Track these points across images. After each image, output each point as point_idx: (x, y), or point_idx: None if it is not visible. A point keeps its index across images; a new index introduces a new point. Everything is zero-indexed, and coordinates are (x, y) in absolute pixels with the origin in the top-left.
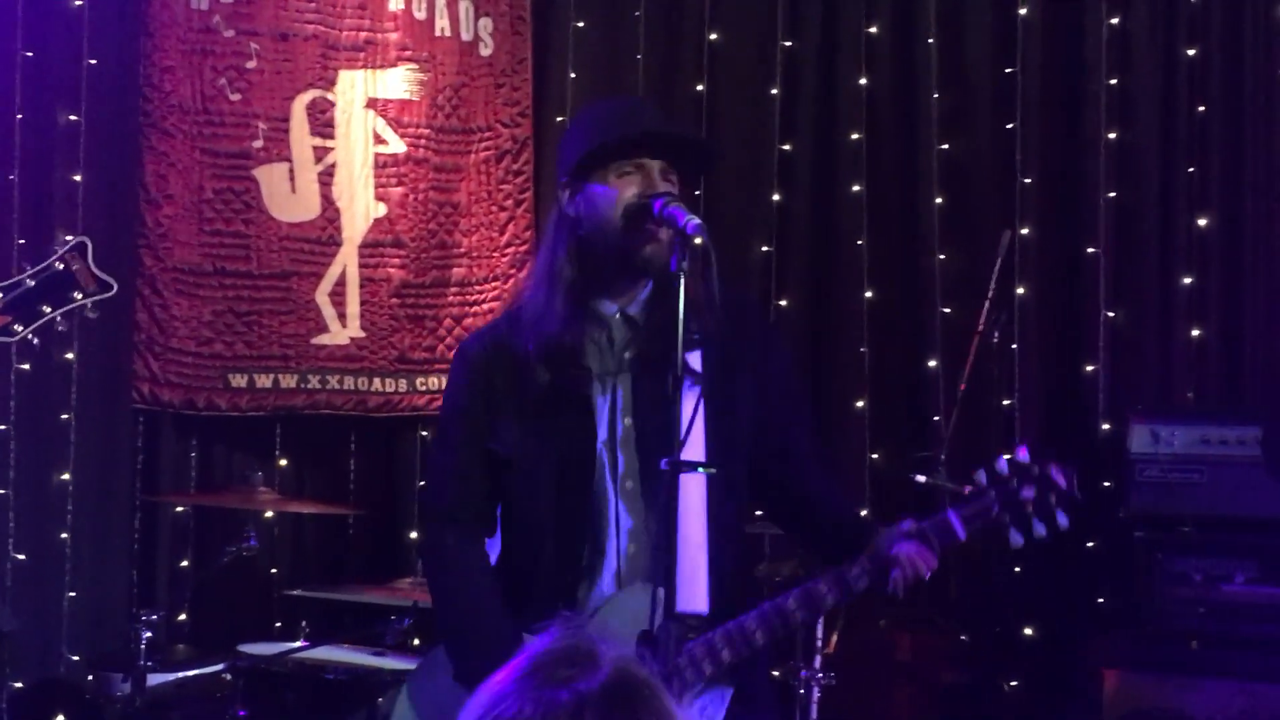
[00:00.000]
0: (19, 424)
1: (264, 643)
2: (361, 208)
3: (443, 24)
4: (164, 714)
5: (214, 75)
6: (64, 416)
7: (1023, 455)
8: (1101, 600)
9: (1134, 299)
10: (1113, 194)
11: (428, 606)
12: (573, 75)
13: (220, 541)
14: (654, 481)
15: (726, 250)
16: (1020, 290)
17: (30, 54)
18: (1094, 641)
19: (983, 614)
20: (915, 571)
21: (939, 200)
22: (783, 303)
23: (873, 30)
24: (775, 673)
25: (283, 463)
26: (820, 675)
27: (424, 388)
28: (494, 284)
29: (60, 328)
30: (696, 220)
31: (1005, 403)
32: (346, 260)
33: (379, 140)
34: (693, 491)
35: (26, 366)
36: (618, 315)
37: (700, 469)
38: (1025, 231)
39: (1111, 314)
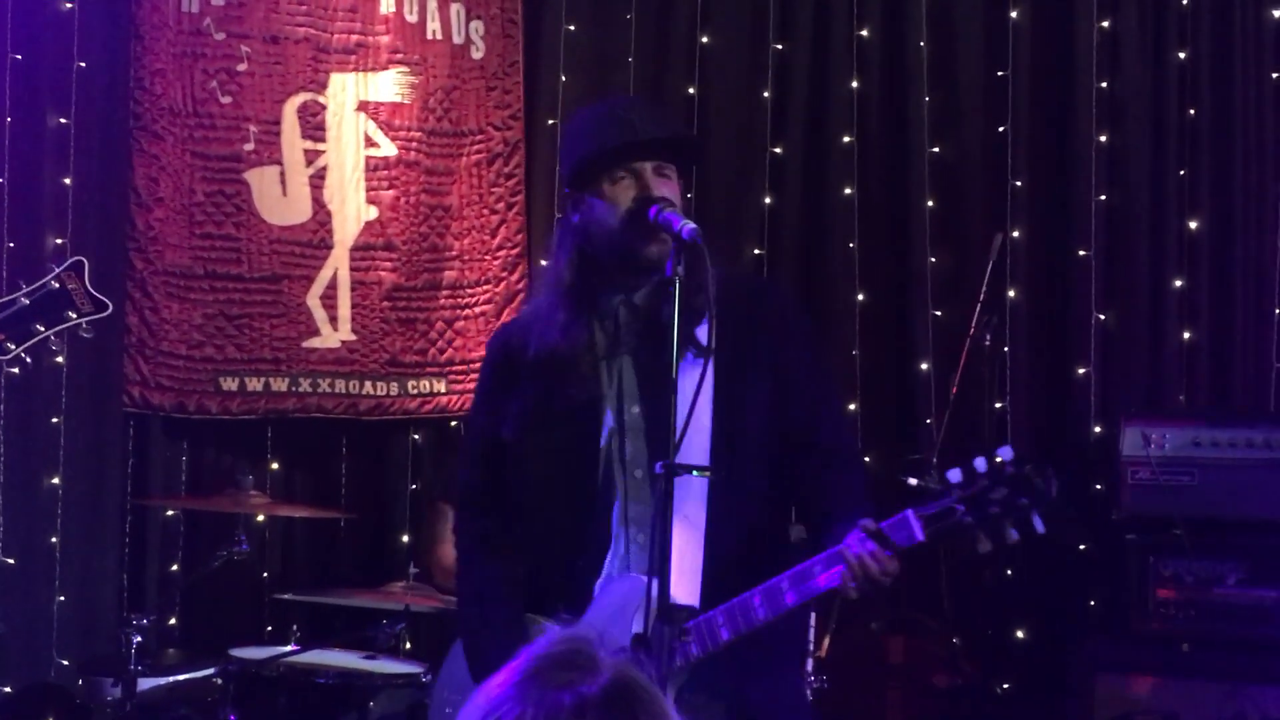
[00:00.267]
0: (8, 427)
1: (255, 647)
2: (353, 211)
3: (434, 27)
4: (154, 718)
5: (205, 78)
6: (54, 420)
7: (1003, 454)
8: (1093, 603)
9: (1125, 301)
10: (1103, 197)
11: (419, 610)
12: (564, 78)
13: (211, 545)
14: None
15: (718, 253)
16: (1011, 293)
17: (20, 56)
18: (1086, 644)
19: (974, 617)
20: (865, 572)
21: (930, 203)
22: None
23: (864, 33)
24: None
25: (274, 466)
26: (812, 678)
27: (415, 391)
28: (485, 287)
29: (54, 346)
30: (691, 225)
31: (997, 405)
32: (338, 263)
33: (370, 143)
34: (694, 484)
35: (16, 370)
36: (621, 304)
37: (695, 472)
38: (1016, 234)
39: (1102, 316)
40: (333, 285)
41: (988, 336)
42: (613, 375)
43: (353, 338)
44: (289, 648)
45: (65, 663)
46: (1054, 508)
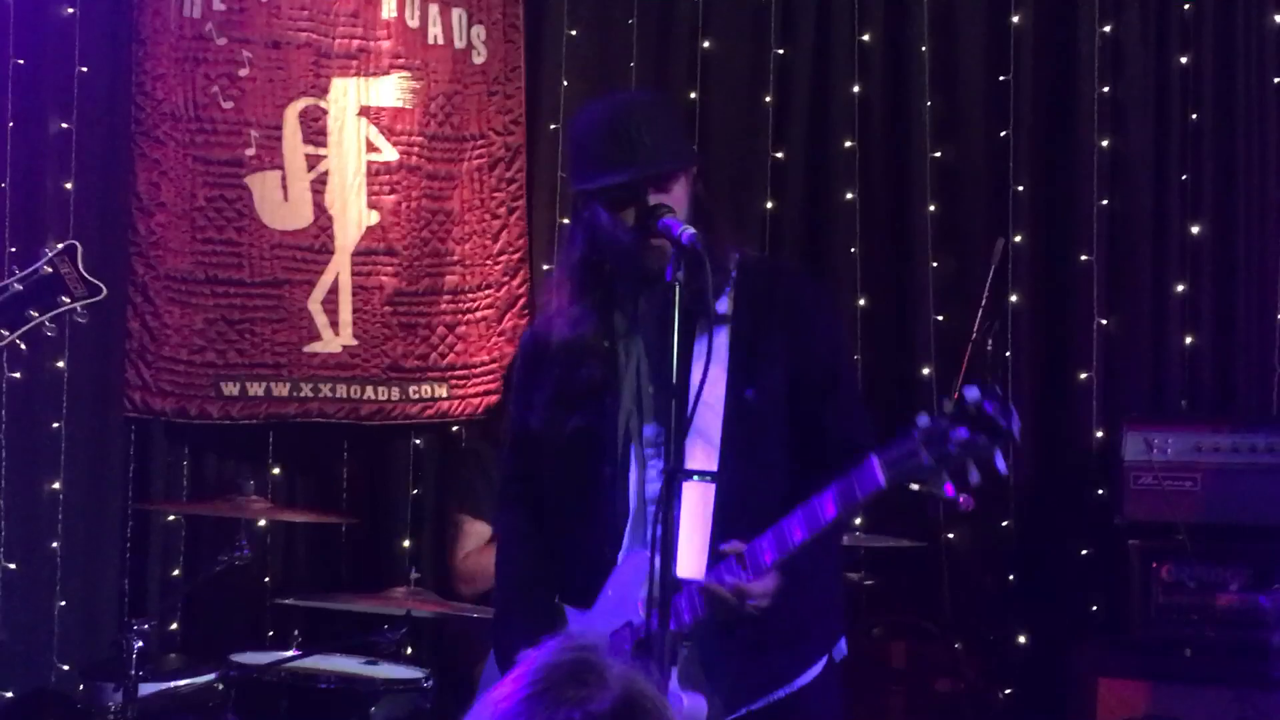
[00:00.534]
0: (9, 432)
1: (256, 652)
2: (354, 216)
3: (435, 32)
4: None
5: (206, 83)
6: (55, 425)
7: (969, 393)
8: (1095, 608)
9: (1127, 307)
10: (1105, 202)
11: (421, 615)
12: (566, 83)
13: (212, 550)
14: (677, 446)
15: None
16: (1013, 298)
17: (22, 61)
18: (1088, 649)
19: (976, 621)
20: (726, 605)
21: (932, 208)
22: None
23: (865, 38)
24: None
25: (275, 471)
26: None
27: (417, 396)
28: (487, 292)
29: (49, 332)
30: (690, 230)
31: (1009, 404)
32: (339, 268)
33: (371, 148)
34: (703, 466)
35: (18, 375)
36: (639, 290)
37: (697, 477)
38: (1018, 239)
39: (1105, 321)
40: (334, 290)
41: (990, 341)
42: (631, 355)
43: (354, 343)
44: (290, 653)
45: (66, 668)
46: (1014, 443)
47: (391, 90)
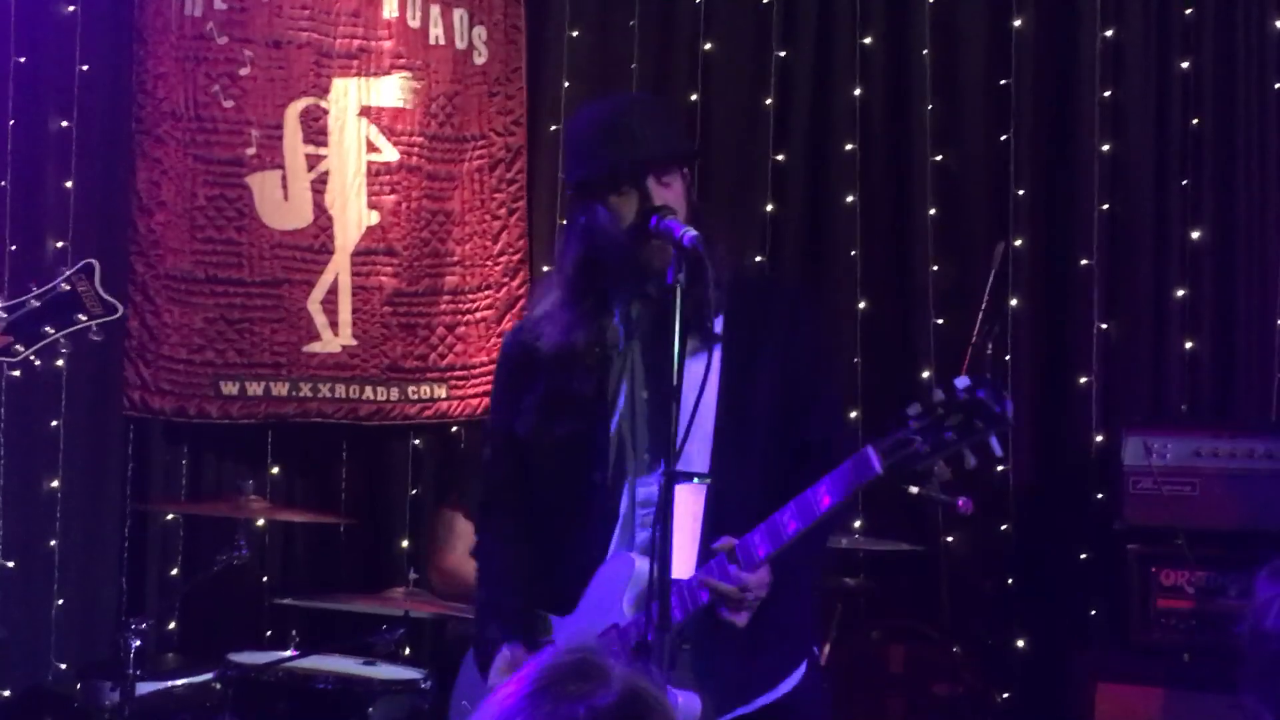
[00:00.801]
0: (8, 431)
1: (254, 651)
2: (354, 216)
3: (437, 32)
4: None
5: (207, 82)
6: (54, 423)
7: (960, 383)
8: (1094, 613)
9: (1127, 311)
10: (1106, 206)
11: (419, 616)
12: (567, 84)
13: (210, 550)
14: (668, 453)
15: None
16: (1013, 301)
17: (23, 60)
18: (1087, 654)
19: (975, 626)
20: (725, 596)
21: (932, 211)
22: None
23: (867, 41)
24: None
25: (274, 471)
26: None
27: (416, 396)
28: (487, 292)
29: (64, 349)
30: (693, 232)
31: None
32: (339, 268)
33: (372, 148)
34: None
35: (17, 373)
36: (634, 297)
37: (696, 479)
38: (1018, 243)
39: (1104, 326)
40: (333, 290)
41: (989, 345)
42: (625, 363)
43: (353, 343)
44: (288, 653)
45: (64, 667)
46: (1009, 427)
47: (392, 90)
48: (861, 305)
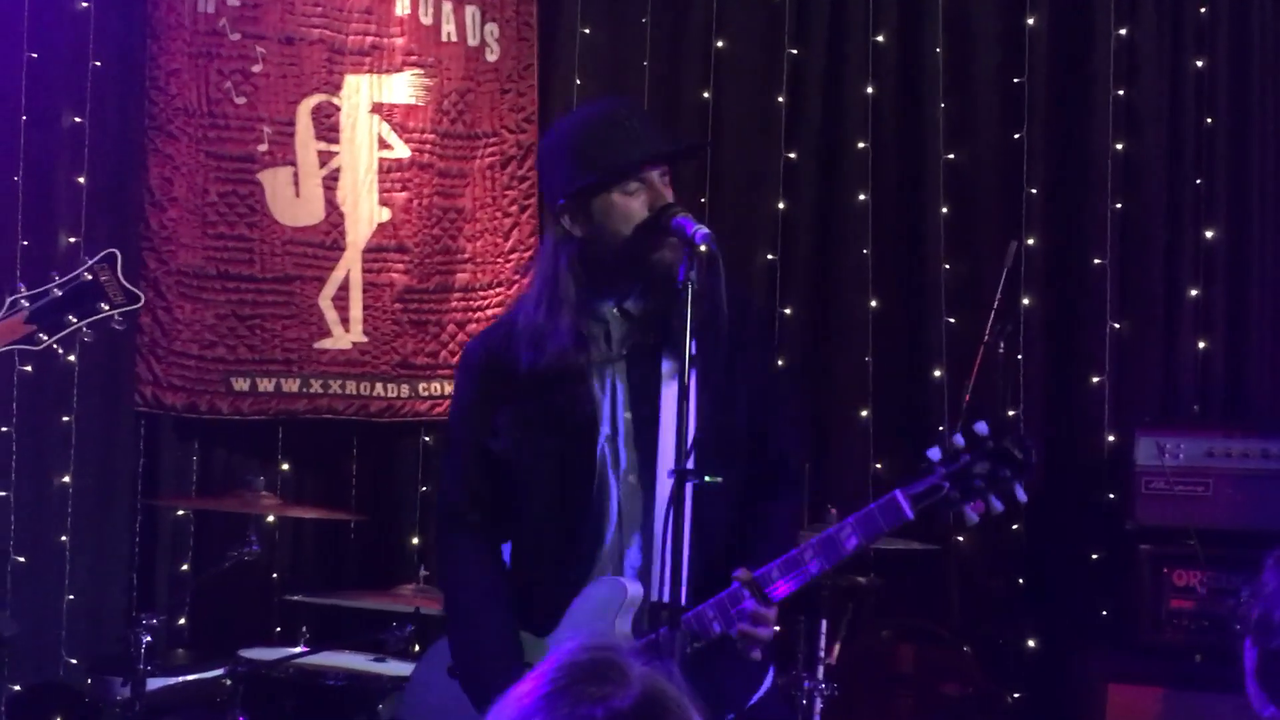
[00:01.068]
0: (20, 426)
1: (264, 648)
2: (365, 212)
3: (449, 29)
4: (163, 718)
5: (219, 79)
6: (65, 419)
7: (980, 429)
8: (1105, 613)
9: (1140, 310)
10: (1119, 205)
11: (429, 613)
12: (579, 82)
13: (221, 546)
14: (653, 473)
15: (730, 258)
16: (1026, 300)
17: (36, 55)
18: (1097, 655)
19: (985, 626)
20: (745, 635)
21: (945, 210)
22: (787, 311)
23: (879, 39)
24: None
25: (284, 467)
26: (823, 686)
27: (426, 393)
28: (498, 289)
29: (86, 338)
30: (705, 230)
31: (1010, 413)
32: (350, 265)
33: (384, 145)
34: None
35: (28, 368)
36: (614, 310)
37: (708, 478)
38: (1031, 242)
39: (1117, 325)
40: (345, 287)
41: (1002, 344)
42: (606, 381)
43: (364, 339)
44: (298, 649)
45: (74, 662)
46: (1033, 476)
47: (404, 87)
48: (873, 304)
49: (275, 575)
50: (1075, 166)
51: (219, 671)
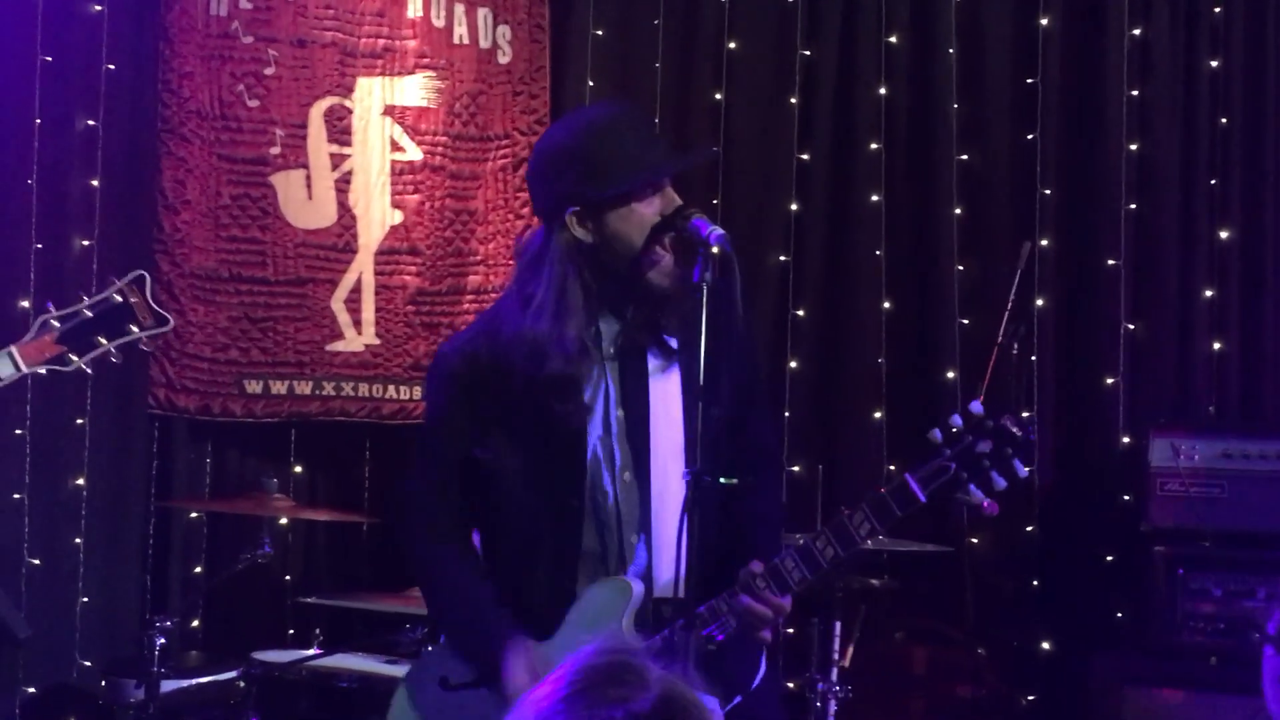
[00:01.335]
0: (34, 428)
1: (278, 650)
2: (378, 215)
3: (461, 31)
4: None
5: (232, 81)
6: (79, 421)
7: (976, 408)
8: (1120, 615)
9: (1154, 311)
10: (1133, 205)
11: None
12: (591, 84)
13: (234, 548)
14: (647, 470)
15: (743, 259)
16: (1040, 302)
17: (49, 59)
18: (1112, 657)
19: (999, 627)
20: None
21: (958, 211)
22: (799, 312)
23: (892, 40)
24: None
25: (297, 469)
26: (836, 688)
27: None
28: None
29: (115, 359)
30: (720, 231)
31: (1024, 415)
32: (362, 267)
33: (396, 147)
34: (674, 489)
35: (42, 371)
36: (609, 311)
37: (723, 479)
38: (1045, 243)
39: (1132, 326)
40: (357, 289)
41: (1015, 346)
42: (600, 381)
43: (376, 342)
44: (311, 651)
45: (88, 664)
46: (1033, 451)
47: (416, 90)
48: (886, 305)
49: (288, 577)
50: (1089, 167)
51: (232, 674)
